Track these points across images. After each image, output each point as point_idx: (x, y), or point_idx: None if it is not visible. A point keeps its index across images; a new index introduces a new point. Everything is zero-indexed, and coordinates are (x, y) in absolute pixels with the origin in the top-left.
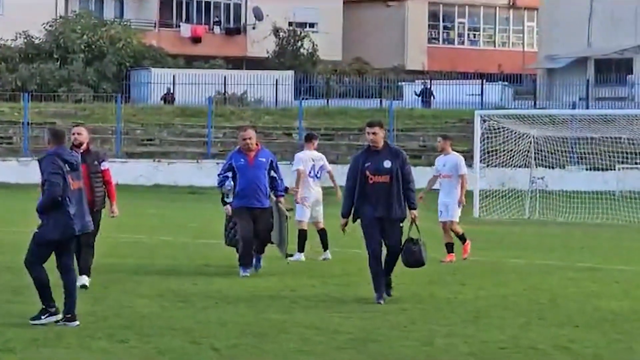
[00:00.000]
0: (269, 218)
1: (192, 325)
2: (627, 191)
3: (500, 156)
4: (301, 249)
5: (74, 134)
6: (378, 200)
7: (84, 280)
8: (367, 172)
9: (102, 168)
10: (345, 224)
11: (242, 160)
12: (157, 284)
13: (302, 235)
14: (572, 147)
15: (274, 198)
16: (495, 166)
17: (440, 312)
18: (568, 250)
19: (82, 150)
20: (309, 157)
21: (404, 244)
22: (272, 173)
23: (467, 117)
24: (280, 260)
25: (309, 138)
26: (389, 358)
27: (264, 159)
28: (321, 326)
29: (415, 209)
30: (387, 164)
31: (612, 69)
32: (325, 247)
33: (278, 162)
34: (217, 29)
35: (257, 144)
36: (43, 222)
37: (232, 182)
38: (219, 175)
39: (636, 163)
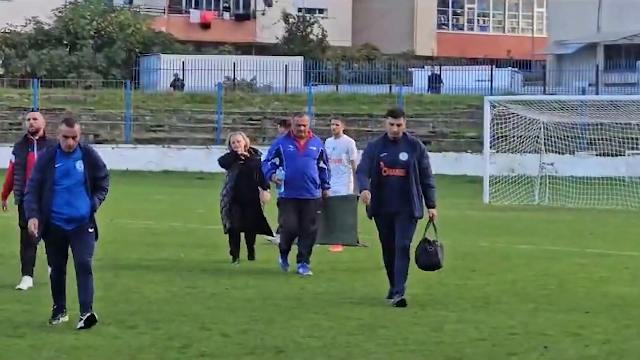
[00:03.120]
0: (317, 210)
1: (202, 311)
2: (637, 177)
3: (509, 142)
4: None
5: (29, 119)
6: (393, 195)
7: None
8: (382, 164)
9: None
10: (367, 195)
11: (290, 146)
12: (166, 270)
13: None
14: (581, 133)
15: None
16: (505, 152)
17: (450, 298)
18: (577, 236)
19: (37, 138)
20: None
21: (419, 244)
22: (322, 164)
23: (477, 103)
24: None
25: (285, 123)
26: (399, 344)
27: (314, 148)
28: (331, 312)
29: (434, 207)
30: (404, 156)
31: (621, 55)
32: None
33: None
34: (226, 15)
35: (309, 132)
36: (93, 219)
37: (283, 171)
38: (264, 161)
39: None
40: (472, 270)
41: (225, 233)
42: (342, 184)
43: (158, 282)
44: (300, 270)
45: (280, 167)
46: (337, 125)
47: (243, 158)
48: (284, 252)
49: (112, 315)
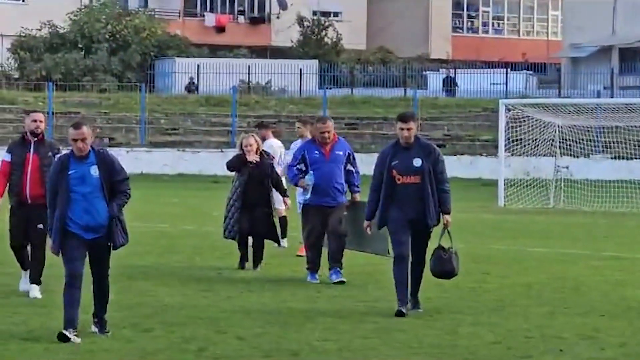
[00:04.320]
0: (343, 211)
1: (217, 314)
2: None
3: (524, 145)
4: (284, 234)
5: (35, 121)
6: (408, 203)
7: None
8: (395, 172)
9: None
10: (368, 226)
11: (316, 152)
12: (181, 273)
13: (284, 221)
14: (596, 136)
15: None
16: (520, 155)
17: (465, 301)
18: (593, 239)
19: (35, 139)
20: (278, 145)
21: (433, 251)
22: (349, 166)
23: (492, 106)
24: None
25: (265, 126)
26: (414, 347)
27: (341, 152)
28: (346, 315)
29: (448, 213)
30: (418, 162)
31: (636, 58)
32: (283, 234)
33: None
34: (241, 18)
35: (333, 135)
36: (118, 226)
37: (312, 177)
38: (290, 167)
39: None
40: (487, 273)
41: (225, 238)
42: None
43: (173, 286)
44: (333, 277)
45: (311, 172)
46: (299, 127)
47: (254, 163)
48: (312, 270)
49: (127, 319)
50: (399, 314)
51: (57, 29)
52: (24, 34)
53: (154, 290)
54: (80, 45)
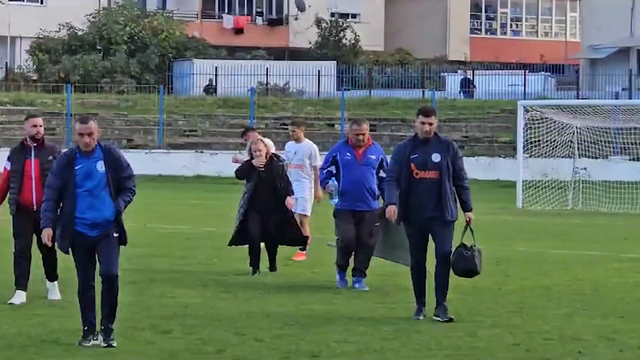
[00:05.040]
0: (374, 222)
1: (236, 316)
2: None
3: (543, 147)
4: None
5: (35, 126)
6: (426, 199)
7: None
8: (413, 166)
9: None
10: (394, 212)
11: (348, 154)
12: (200, 275)
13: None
14: (615, 138)
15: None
16: (538, 157)
17: (484, 303)
18: (611, 240)
19: (35, 144)
20: (269, 145)
21: (455, 249)
22: (382, 173)
23: (510, 108)
24: (323, 251)
25: (252, 129)
26: (433, 349)
27: (374, 156)
28: (365, 317)
29: (470, 210)
30: (437, 157)
31: None
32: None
33: (319, 153)
34: (259, 20)
35: (368, 139)
36: (121, 225)
37: (335, 182)
38: (321, 169)
39: None
40: (507, 275)
41: (230, 245)
42: (303, 189)
43: (192, 287)
44: (357, 286)
45: (333, 178)
46: (293, 131)
47: (262, 168)
48: (341, 269)
49: (146, 320)
50: (417, 313)
51: (76, 31)
52: (42, 36)
53: (173, 292)
54: (98, 47)
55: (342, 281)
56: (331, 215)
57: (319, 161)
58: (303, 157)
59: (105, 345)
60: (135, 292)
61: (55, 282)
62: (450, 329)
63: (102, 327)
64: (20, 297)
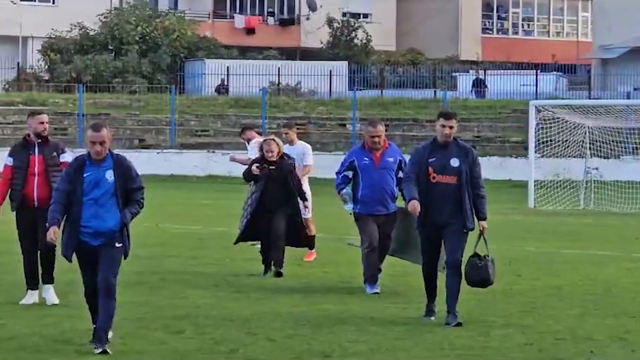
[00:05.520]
0: (392, 223)
1: (248, 315)
2: None
3: (554, 146)
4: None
5: (42, 122)
6: (442, 203)
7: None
8: (430, 169)
9: (62, 160)
10: (417, 206)
11: (366, 159)
12: (212, 275)
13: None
14: (627, 138)
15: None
16: (550, 156)
17: (496, 303)
18: (623, 240)
19: (39, 140)
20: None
21: (468, 259)
22: (401, 174)
23: (522, 108)
24: (333, 251)
25: (250, 127)
26: (446, 349)
27: (391, 159)
28: (377, 317)
29: (484, 219)
30: (455, 162)
31: None
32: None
33: (332, 153)
34: (271, 20)
35: (384, 140)
36: (126, 236)
37: (349, 189)
38: (337, 173)
39: None
40: (518, 275)
41: (235, 243)
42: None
43: (204, 287)
44: (368, 289)
45: (348, 186)
46: (286, 133)
47: (271, 168)
48: (371, 281)
49: (158, 320)
50: (428, 313)
51: (88, 31)
52: (54, 36)
53: (186, 292)
54: (110, 47)
55: (372, 289)
56: (331, 214)
57: (311, 160)
58: (298, 159)
59: (100, 351)
60: (147, 292)
61: (51, 286)
62: (462, 329)
63: (96, 336)
64: (32, 297)
